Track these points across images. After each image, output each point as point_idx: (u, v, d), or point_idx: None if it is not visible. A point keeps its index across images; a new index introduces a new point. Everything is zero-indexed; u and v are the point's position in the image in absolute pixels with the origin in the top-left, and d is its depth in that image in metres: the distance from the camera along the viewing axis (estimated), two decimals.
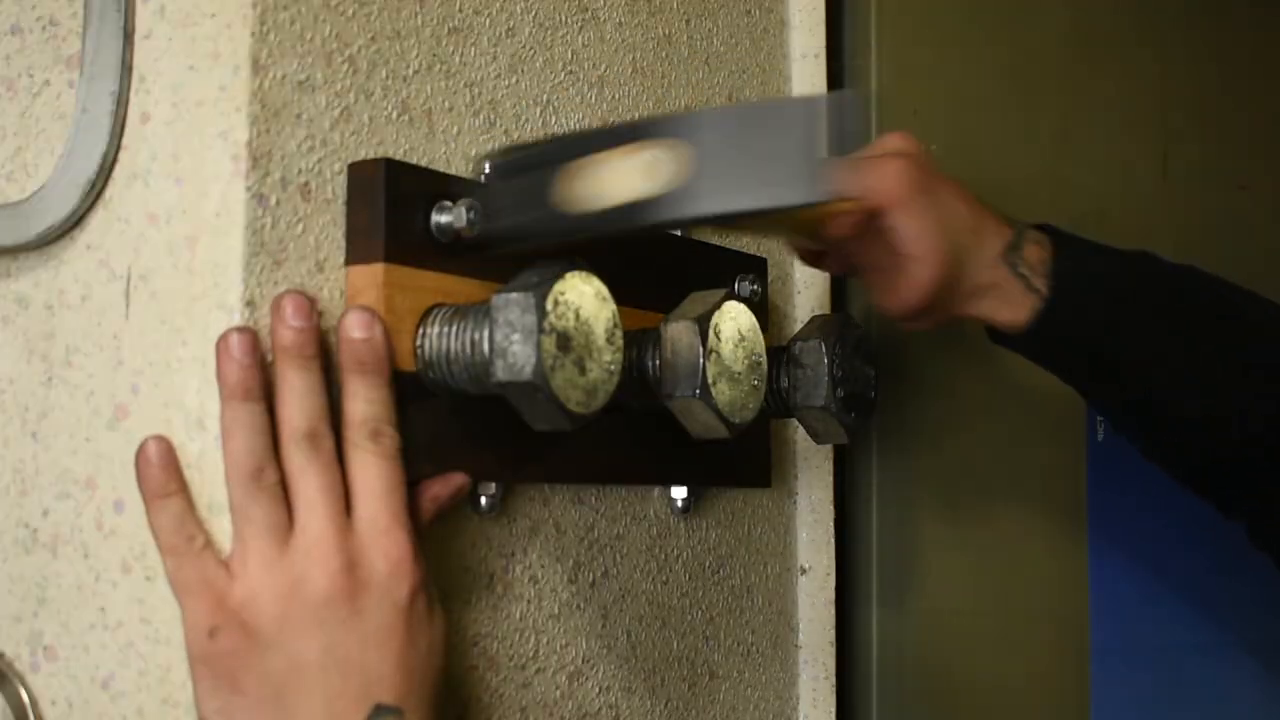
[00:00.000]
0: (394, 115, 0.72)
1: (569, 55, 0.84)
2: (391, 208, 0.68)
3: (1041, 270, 0.87)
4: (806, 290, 1.03)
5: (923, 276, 0.84)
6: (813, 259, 0.92)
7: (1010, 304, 0.88)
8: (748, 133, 0.63)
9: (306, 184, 0.67)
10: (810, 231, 0.84)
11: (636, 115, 0.88)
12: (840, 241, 0.84)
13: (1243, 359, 0.91)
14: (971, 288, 0.87)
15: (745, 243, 0.97)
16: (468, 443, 0.71)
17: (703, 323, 0.75)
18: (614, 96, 0.87)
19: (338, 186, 0.68)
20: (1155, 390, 0.91)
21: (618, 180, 0.64)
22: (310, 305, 0.65)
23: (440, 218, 0.70)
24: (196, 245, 0.66)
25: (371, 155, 0.70)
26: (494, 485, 0.74)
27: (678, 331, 0.75)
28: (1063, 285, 0.87)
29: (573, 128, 0.83)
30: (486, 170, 0.72)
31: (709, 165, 0.62)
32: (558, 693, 0.80)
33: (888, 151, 0.87)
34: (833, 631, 1.02)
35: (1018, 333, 0.89)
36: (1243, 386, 0.91)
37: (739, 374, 0.77)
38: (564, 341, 0.65)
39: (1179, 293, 0.92)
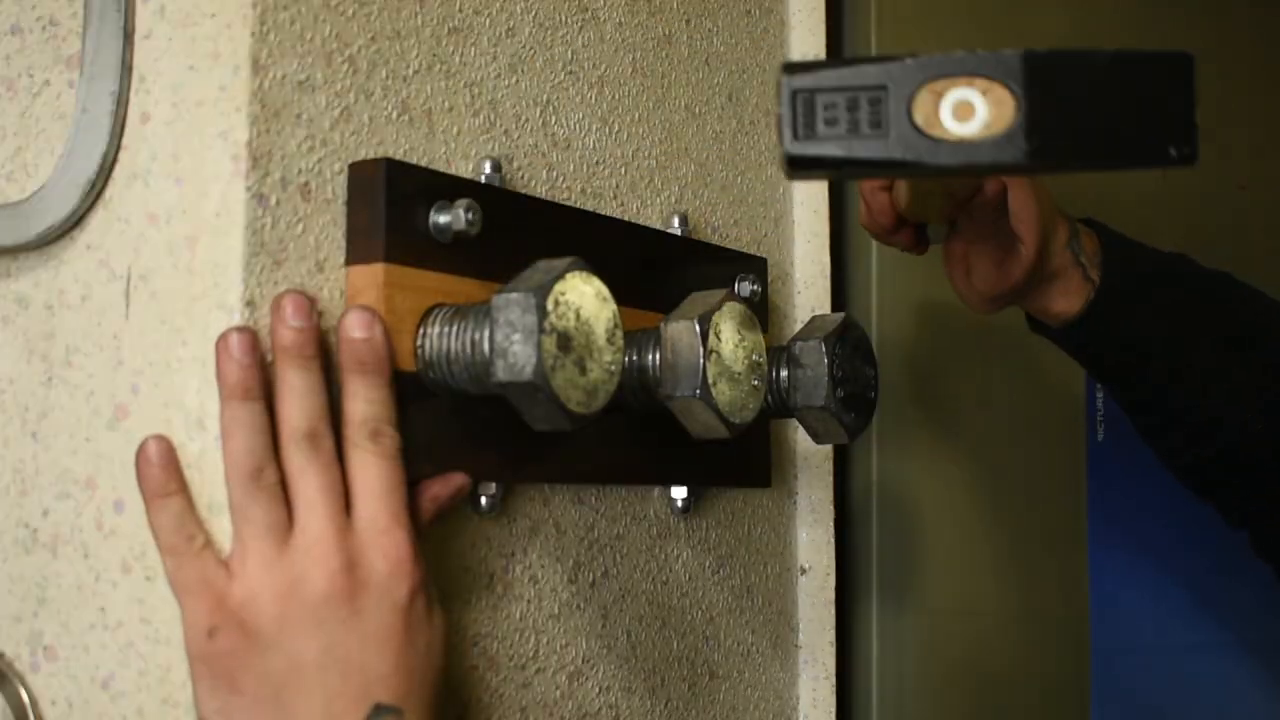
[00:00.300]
0: (394, 115, 0.72)
1: (569, 55, 0.84)
2: (391, 208, 0.68)
3: (1095, 260, 0.90)
4: (806, 290, 1.03)
5: (1025, 256, 0.87)
6: (889, 229, 0.91)
7: (1069, 293, 0.90)
8: (1085, 82, 0.57)
9: (306, 184, 0.67)
10: (953, 190, 0.84)
11: (638, 114, 0.89)
12: (984, 206, 0.84)
13: (1264, 367, 0.93)
14: (1046, 272, 0.89)
15: (746, 242, 0.98)
16: (468, 443, 0.71)
17: (703, 323, 0.75)
18: (614, 96, 0.87)
19: (338, 186, 0.68)
20: (1182, 387, 0.92)
21: (953, 112, 0.57)
22: (310, 305, 0.65)
23: (440, 218, 0.70)
24: (196, 245, 0.66)
25: (371, 155, 0.70)
26: (494, 485, 0.74)
27: (678, 331, 0.75)
28: (1113, 277, 0.90)
29: (573, 128, 0.83)
30: (789, 81, 0.59)
31: (1039, 112, 0.57)
32: (558, 693, 0.80)
33: None
34: (833, 631, 1.02)
35: (1068, 321, 0.91)
36: (1264, 389, 0.92)
37: (739, 374, 0.77)
38: (564, 341, 0.65)
39: (1214, 294, 0.94)
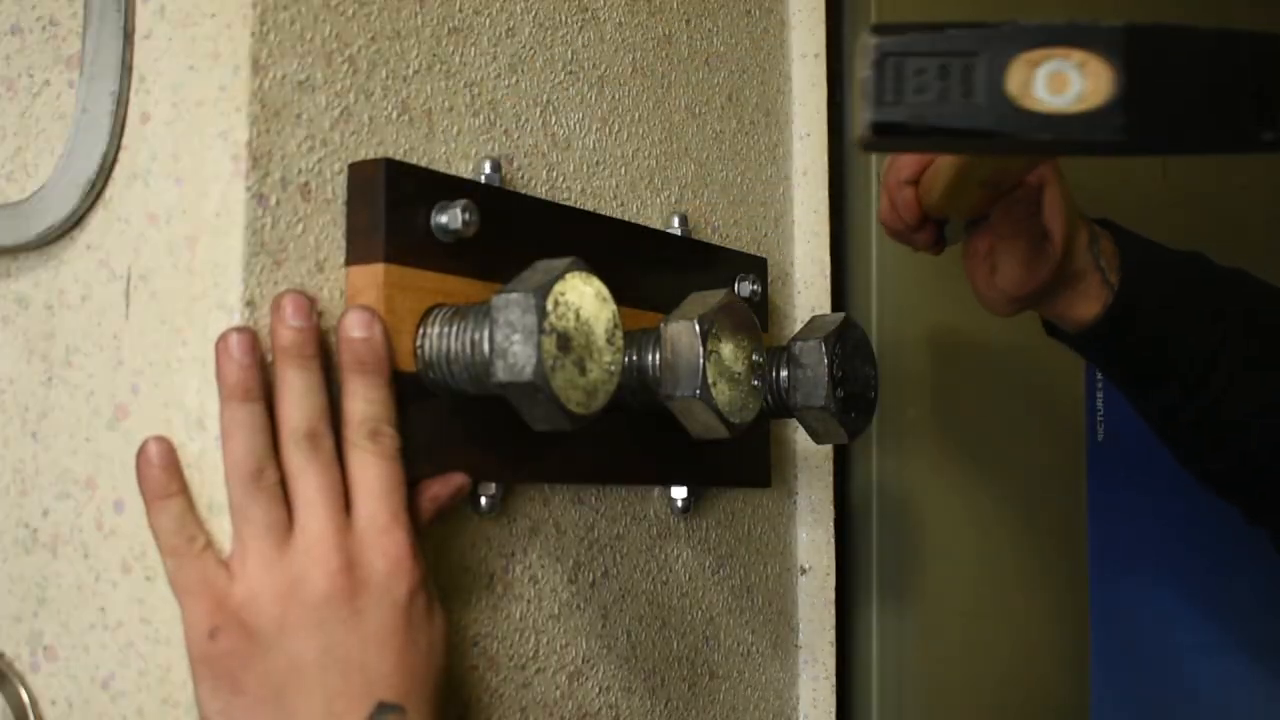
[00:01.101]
0: (394, 115, 0.72)
1: (569, 55, 0.84)
2: (391, 208, 0.68)
3: (1114, 264, 0.88)
4: (806, 290, 1.03)
5: (1052, 254, 0.85)
6: (913, 227, 0.89)
7: (1088, 297, 0.89)
8: (1193, 60, 0.55)
9: (306, 184, 0.67)
10: (1006, 180, 0.81)
11: (638, 114, 0.89)
12: (1025, 197, 0.82)
13: None
14: (1068, 274, 0.88)
15: (746, 242, 0.98)
16: (468, 443, 0.71)
17: (703, 323, 0.75)
18: (614, 96, 0.87)
19: (338, 186, 0.68)
20: (1207, 389, 0.90)
21: (1046, 85, 0.55)
22: (310, 305, 0.65)
23: (440, 218, 0.70)
24: (196, 245, 0.66)
25: (371, 155, 0.70)
26: (494, 485, 0.74)
27: (678, 331, 0.75)
28: (1132, 281, 0.88)
29: (573, 128, 0.83)
30: (878, 44, 0.57)
31: (1141, 89, 0.54)
32: (558, 693, 0.80)
33: None
34: (833, 631, 1.02)
35: (1087, 326, 0.89)
36: None
37: (739, 374, 0.77)
38: (564, 342, 0.65)
39: (1232, 293, 0.92)
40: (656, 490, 0.88)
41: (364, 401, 0.65)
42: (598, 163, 0.85)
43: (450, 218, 0.70)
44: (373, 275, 0.67)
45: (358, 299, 0.67)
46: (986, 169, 0.80)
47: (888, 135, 0.57)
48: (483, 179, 0.75)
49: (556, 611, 0.80)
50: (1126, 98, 0.53)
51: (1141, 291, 0.88)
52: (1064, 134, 0.54)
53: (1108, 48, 0.54)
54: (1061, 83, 0.54)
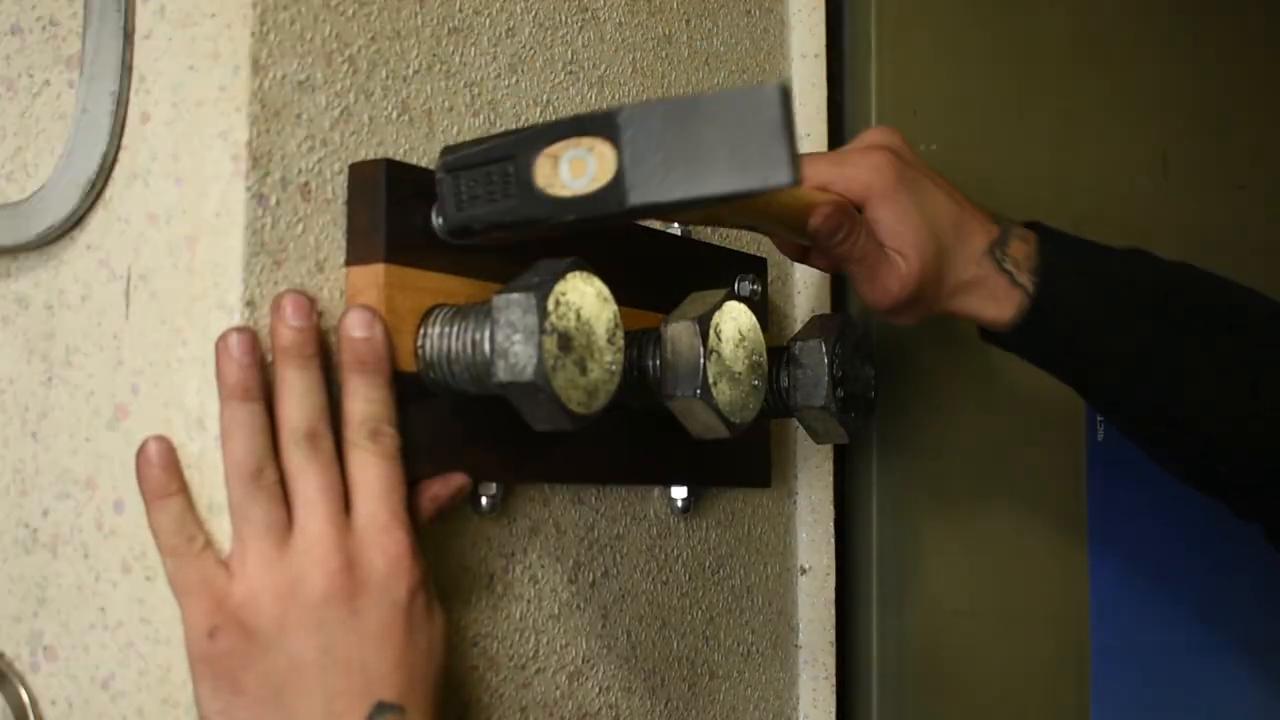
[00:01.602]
0: (394, 115, 0.72)
1: (569, 55, 0.84)
2: (392, 208, 0.68)
3: (1027, 266, 0.87)
4: (806, 290, 1.03)
5: (904, 269, 0.84)
6: (799, 255, 0.91)
7: (996, 300, 0.88)
8: (679, 125, 0.61)
9: (306, 184, 0.67)
10: (792, 225, 0.84)
11: None
12: (820, 235, 0.83)
13: (1241, 356, 0.91)
14: (956, 283, 0.87)
15: (745, 242, 0.97)
16: (468, 443, 0.71)
17: (703, 323, 0.75)
18: (614, 96, 0.87)
19: (338, 186, 0.68)
20: (1149, 389, 0.90)
21: (569, 171, 0.64)
22: (310, 304, 0.65)
23: (440, 218, 0.70)
24: (196, 245, 0.66)
25: (371, 155, 0.70)
26: (494, 485, 0.74)
27: (678, 331, 0.75)
28: (1049, 281, 0.87)
29: None
30: (442, 162, 0.68)
31: (637, 158, 0.62)
32: (558, 693, 0.80)
33: (869, 144, 0.87)
34: (833, 631, 1.02)
35: (1004, 330, 0.89)
36: (1241, 385, 0.90)
37: (739, 374, 0.77)
38: (565, 342, 0.65)
39: (1174, 289, 0.91)
40: (656, 490, 0.88)
41: (364, 401, 0.65)
42: None
43: None
44: (373, 275, 0.67)
45: (358, 299, 0.67)
46: (756, 219, 0.84)
47: (461, 236, 0.68)
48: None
49: (556, 611, 0.80)
50: (625, 171, 0.61)
51: (1060, 291, 0.87)
52: (584, 211, 0.63)
53: (606, 130, 0.62)
54: (580, 167, 0.62)
